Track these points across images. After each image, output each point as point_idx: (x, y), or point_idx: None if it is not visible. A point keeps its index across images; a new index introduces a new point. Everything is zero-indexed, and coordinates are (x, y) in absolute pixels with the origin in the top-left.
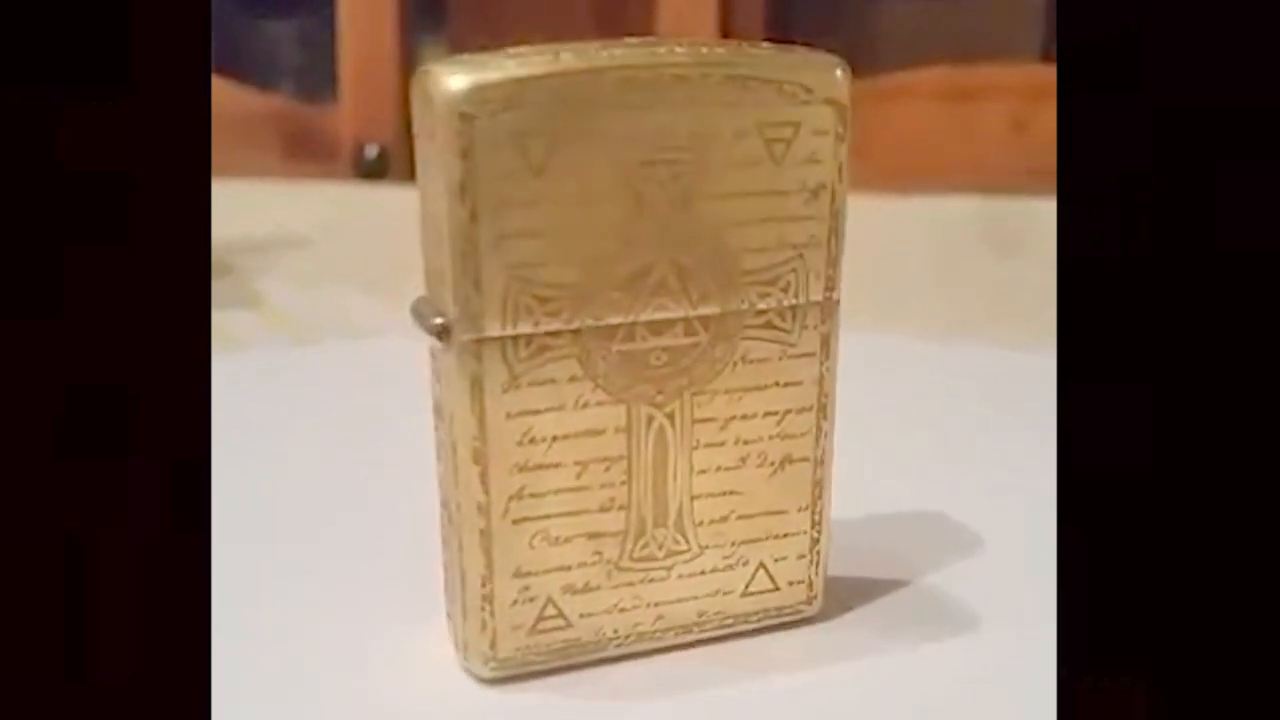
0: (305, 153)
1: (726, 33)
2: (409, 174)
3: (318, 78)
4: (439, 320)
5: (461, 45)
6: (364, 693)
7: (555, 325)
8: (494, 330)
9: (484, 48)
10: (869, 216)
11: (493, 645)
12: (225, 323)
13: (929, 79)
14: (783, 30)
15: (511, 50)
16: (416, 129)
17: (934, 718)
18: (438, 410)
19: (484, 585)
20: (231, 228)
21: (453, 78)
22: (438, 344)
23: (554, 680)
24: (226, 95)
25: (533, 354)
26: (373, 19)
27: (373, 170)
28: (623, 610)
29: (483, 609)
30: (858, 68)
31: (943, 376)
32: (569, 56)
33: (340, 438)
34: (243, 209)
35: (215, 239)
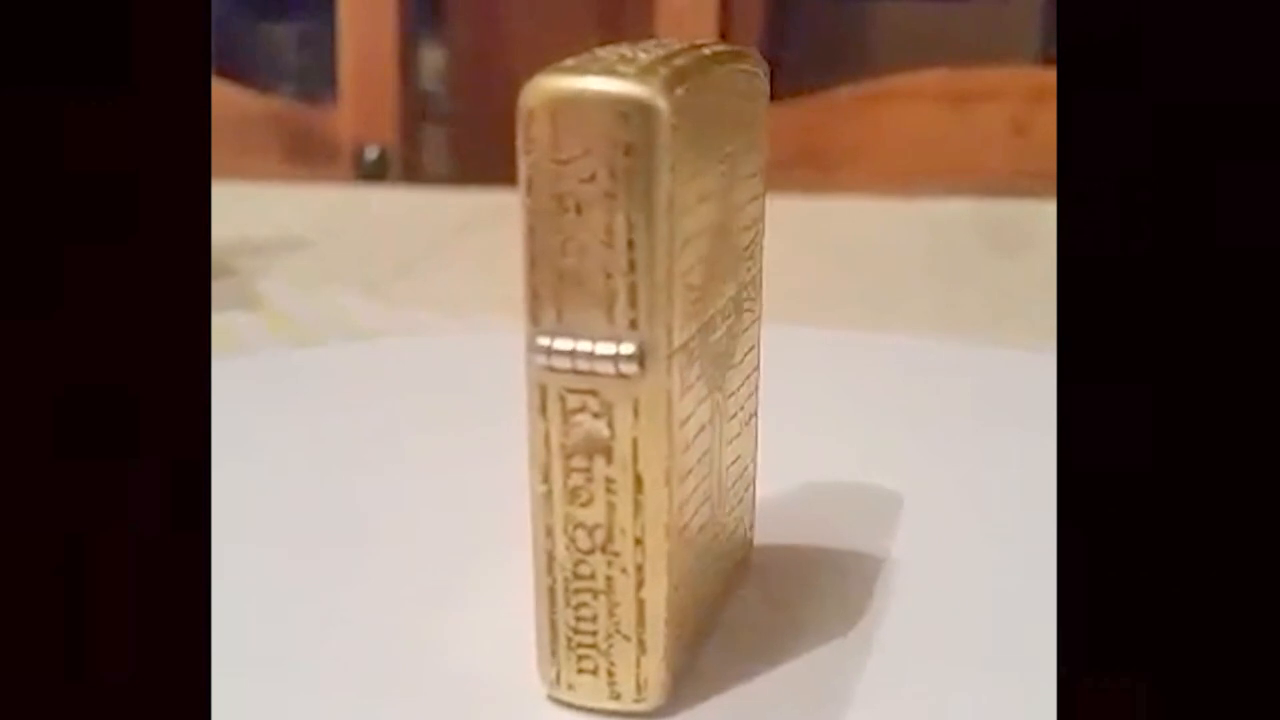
0: (305, 154)
1: (725, 34)
2: (408, 175)
3: (318, 79)
4: (629, 348)
5: (461, 47)
6: (364, 692)
7: (693, 327)
8: (678, 342)
9: (485, 50)
10: (869, 218)
11: (670, 671)
12: (225, 324)
13: (929, 81)
14: (782, 32)
15: (611, 53)
16: (557, 152)
17: (932, 715)
18: (581, 451)
19: (666, 612)
20: (232, 229)
21: (622, 84)
22: (621, 371)
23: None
24: (227, 97)
25: (686, 361)
26: (373, 21)
27: (373, 172)
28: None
29: (665, 638)
30: (857, 70)
31: (942, 377)
32: (658, 55)
33: (340, 439)
34: (243, 210)
35: (215, 240)
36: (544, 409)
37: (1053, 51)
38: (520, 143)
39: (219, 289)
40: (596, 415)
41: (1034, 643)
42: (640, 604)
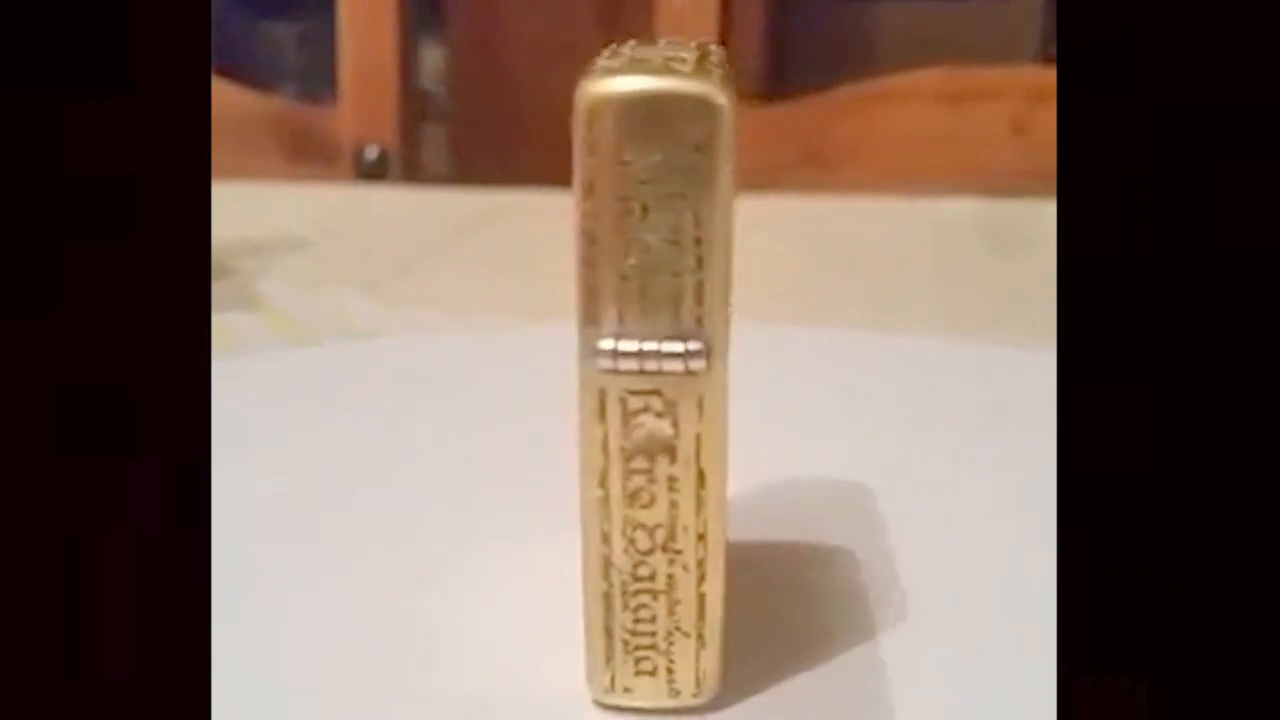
0: (305, 154)
1: (725, 34)
2: (408, 175)
3: (318, 79)
4: (696, 345)
5: (462, 47)
6: (366, 693)
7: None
8: (729, 335)
9: (485, 50)
10: (869, 217)
11: (723, 662)
12: (225, 324)
13: (928, 81)
14: (782, 31)
15: (647, 52)
16: (622, 153)
17: (932, 715)
18: (642, 453)
19: (723, 605)
20: (231, 229)
21: (687, 83)
22: (690, 369)
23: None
24: (227, 97)
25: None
26: (373, 21)
27: (373, 171)
28: None
29: (721, 631)
30: (858, 70)
31: (942, 376)
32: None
33: (340, 439)
34: (243, 210)
35: (215, 240)
36: (602, 413)
37: (1053, 51)
38: (580, 146)
39: (219, 289)
40: (659, 415)
41: (1034, 643)
42: (701, 599)
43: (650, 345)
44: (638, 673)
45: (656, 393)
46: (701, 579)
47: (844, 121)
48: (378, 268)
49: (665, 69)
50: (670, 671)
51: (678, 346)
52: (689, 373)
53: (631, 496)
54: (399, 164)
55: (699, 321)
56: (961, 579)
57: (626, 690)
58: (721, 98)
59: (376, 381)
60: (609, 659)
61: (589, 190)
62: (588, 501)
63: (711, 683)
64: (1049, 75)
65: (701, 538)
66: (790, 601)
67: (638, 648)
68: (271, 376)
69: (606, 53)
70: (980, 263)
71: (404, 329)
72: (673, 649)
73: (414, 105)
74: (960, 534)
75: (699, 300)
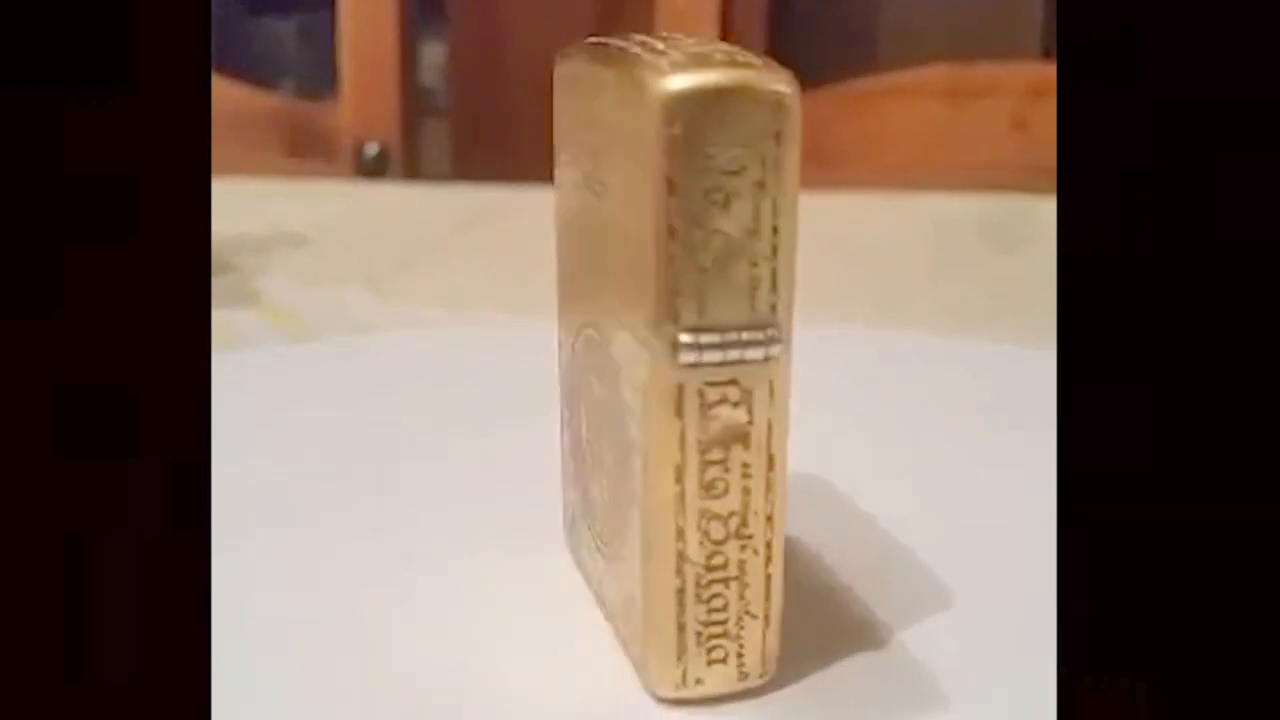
0: (305, 151)
1: (726, 32)
2: (409, 172)
3: (318, 76)
4: (773, 332)
5: (462, 44)
6: (368, 694)
7: None
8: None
9: (486, 46)
10: (870, 214)
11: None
12: (225, 321)
13: (929, 77)
14: (783, 29)
15: (698, 47)
16: (706, 147)
17: (932, 715)
18: (719, 443)
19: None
20: (231, 226)
21: (758, 75)
22: (769, 356)
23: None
24: (227, 93)
25: None
26: (373, 17)
27: (373, 168)
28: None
29: (780, 607)
30: (859, 67)
31: (943, 374)
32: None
33: (341, 435)
34: (243, 207)
35: (215, 237)
36: (680, 408)
37: (1054, 47)
38: (660, 144)
39: (219, 286)
40: (735, 404)
41: (1034, 643)
42: (768, 580)
43: (731, 335)
44: (710, 662)
45: (733, 382)
46: (769, 560)
47: (845, 118)
48: (378, 264)
49: (732, 63)
50: (740, 656)
51: (758, 334)
52: (767, 359)
53: (708, 487)
54: (399, 160)
55: (773, 308)
56: (958, 577)
57: (699, 682)
58: (790, 87)
59: (376, 377)
60: (681, 654)
61: (671, 187)
62: (660, 500)
63: (774, 659)
64: (1050, 72)
65: (769, 520)
66: (788, 597)
67: (710, 638)
68: (271, 373)
69: (652, 50)
70: (980, 259)
71: (404, 325)
72: (743, 633)
73: (414, 101)
74: (957, 531)
75: (774, 287)
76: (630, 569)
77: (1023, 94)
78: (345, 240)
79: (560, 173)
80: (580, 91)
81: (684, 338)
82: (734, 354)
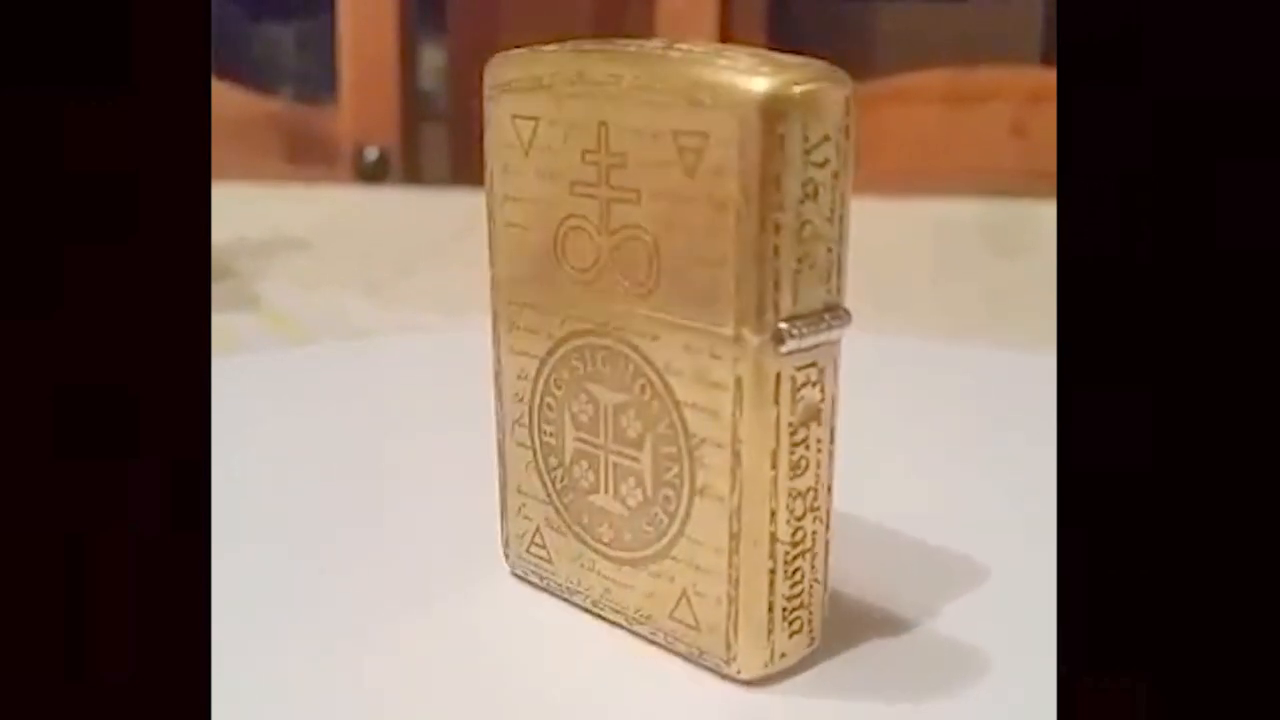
0: (305, 155)
1: (725, 36)
2: (408, 176)
3: (318, 80)
4: (843, 311)
5: (461, 48)
6: (368, 694)
7: None
8: None
9: (485, 51)
10: (870, 218)
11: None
12: (225, 324)
13: (930, 82)
14: (782, 33)
15: (742, 53)
16: (805, 144)
17: (932, 715)
18: (801, 423)
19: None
20: (231, 230)
21: (825, 73)
22: (840, 335)
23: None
24: (227, 98)
25: None
26: (373, 22)
27: (372, 173)
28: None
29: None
30: (859, 71)
31: (943, 377)
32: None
33: (339, 438)
34: (243, 212)
35: (215, 241)
36: (777, 395)
37: (1053, 52)
38: (761, 144)
39: (218, 289)
40: (814, 384)
41: (1034, 643)
42: (827, 545)
43: (818, 320)
44: (791, 634)
45: (813, 364)
46: (828, 526)
47: None
48: (377, 269)
49: (783, 64)
50: (810, 623)
51: (837, 316)
52: (838, 339)
53: (794, 467)
54: (399, 165)
55: (839, 290)
56: (958, 578)
57: (783, 655)
58: (850, 85)
59: (374, 382)
60: (770, 632)
61: (775, 184)
62: (757, 487)
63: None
64: (1049, 77)
65: (830, 489)
66: None
67: (792, 610)
68: (270, 376)
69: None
70: (980, 263)
71: (403, 329)
72: (813, 601)
73: (414, 106)
74: (957, 533)
75: (840, 270)
76: (677, 567)
77: (1023, 99)
78: (345, 245)
79: (505, 184)
80: (555, 96)
81: (785, 327)
82: (822, 337)
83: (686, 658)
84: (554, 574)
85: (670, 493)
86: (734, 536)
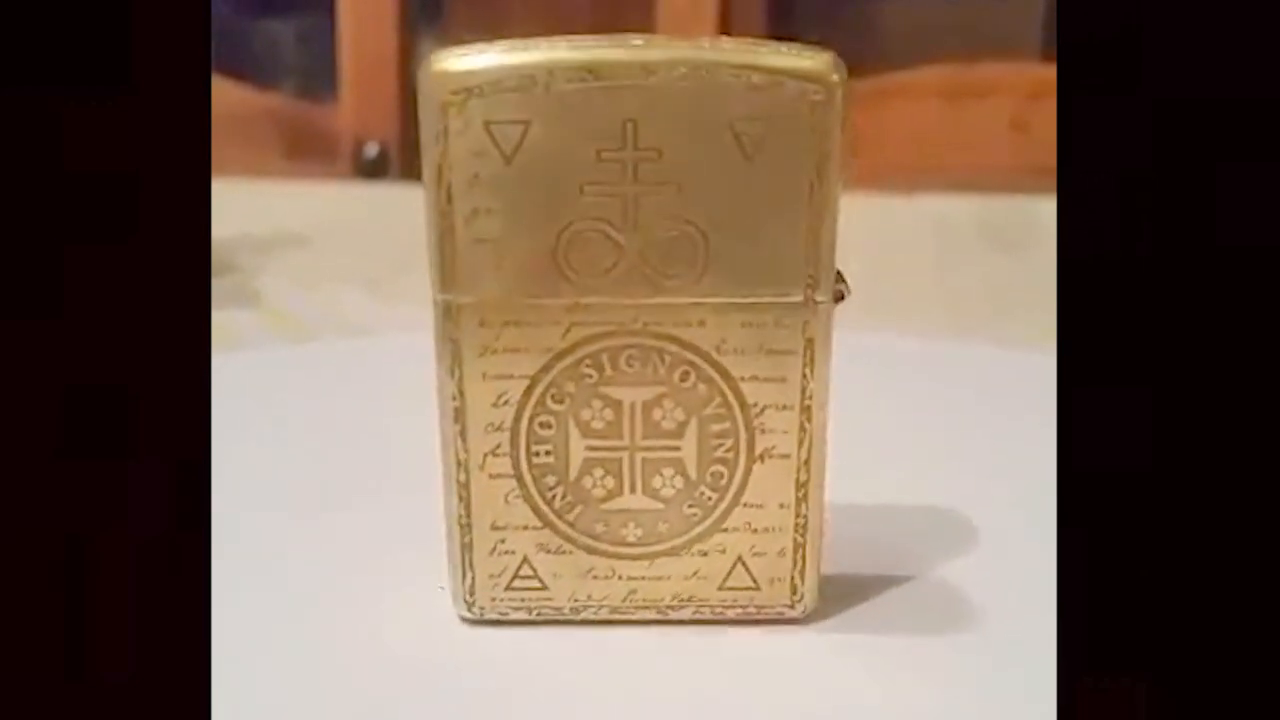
0: (305, 151)
1: (726, 33)
2: (408, 172)
3: (318, 76)
4: (840, 285)
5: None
6: (368, 694)
7: None
8: None
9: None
10: (870, 215)
11: None
12: (225, 321)
13: (930, 77)
14: (783, 29)
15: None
16: (845, 123)
17: (933, 717)
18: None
19: None
20: (231, 226)
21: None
22: (837, 300)
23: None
24: (227, 94)
25: None
26: (373, 18)
27: (372, 169)
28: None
29: None
30: (859, 66)
31: (943, 375)
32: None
33: (340, 436)
34: (243, 208)
35: (215, 238)
36: (830, 353)
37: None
38: (837, 117)
39: (219, 286)
40: None
41: (1034, 643)
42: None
43: (839, 276)
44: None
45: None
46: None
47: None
48: (377, 266)
49: (804, 48)
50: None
51: (840, 277)
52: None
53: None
54: (399, 161)
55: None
56: (959, 578)
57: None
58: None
59: (376, 379)
60: (820, 567)
61: (842, 163)
62: (821, 436)
63: None
64: (1050, 73)
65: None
66: None
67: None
68: (270, 373)
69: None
70: (980, 259)
71: (403, 326)
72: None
73: (414, 102)
74: (958, 533)
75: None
76: (729, 538)
77: (1023, 95)
78: (345, 241)
79: (474, 198)
80: (555, 96)
81: (840, 286)
82: (836, 294)
83: (738, 621)
84: (550, 599)
85: (721, 468)
86: (801, 486)
